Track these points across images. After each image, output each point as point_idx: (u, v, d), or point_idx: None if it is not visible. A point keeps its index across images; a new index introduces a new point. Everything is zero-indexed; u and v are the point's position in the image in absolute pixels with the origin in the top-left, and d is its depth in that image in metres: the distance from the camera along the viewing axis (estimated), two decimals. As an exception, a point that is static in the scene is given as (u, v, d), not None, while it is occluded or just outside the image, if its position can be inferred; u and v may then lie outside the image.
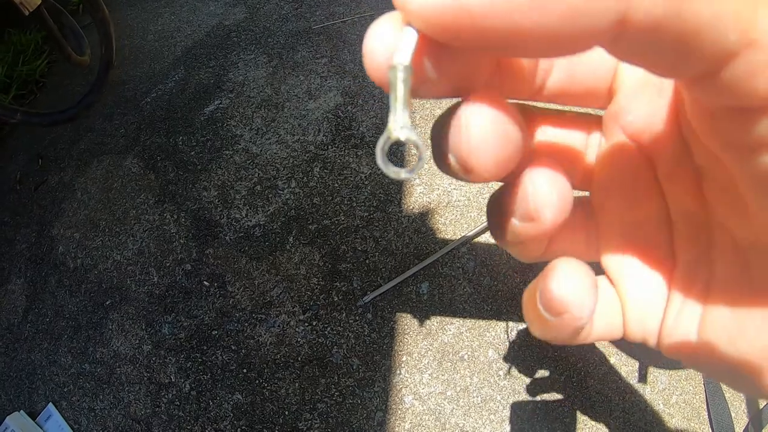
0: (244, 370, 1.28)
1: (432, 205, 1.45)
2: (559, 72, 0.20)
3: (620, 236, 0.21)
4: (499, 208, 0.20)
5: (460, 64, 0.16)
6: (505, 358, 1.25)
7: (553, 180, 0.18)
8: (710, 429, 1.19)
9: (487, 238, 1.41)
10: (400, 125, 0.15)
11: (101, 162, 1.70)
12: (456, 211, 1.44)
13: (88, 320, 1.47)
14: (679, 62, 0.12)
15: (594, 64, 0.20)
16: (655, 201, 0.20)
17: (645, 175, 0.21)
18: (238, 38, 1.91)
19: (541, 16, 0.11)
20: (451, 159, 0.17)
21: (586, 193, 0.23)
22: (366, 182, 1.49)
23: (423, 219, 1.43)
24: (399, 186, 1.48)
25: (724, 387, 1.21)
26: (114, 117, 1.78)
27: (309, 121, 1.62)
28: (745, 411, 1.23)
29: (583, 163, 0.22)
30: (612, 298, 0.22)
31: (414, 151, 1.52)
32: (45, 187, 1.73)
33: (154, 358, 1.37)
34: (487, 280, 1.34)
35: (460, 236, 1.39)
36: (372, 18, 1.47)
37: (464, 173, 0.17)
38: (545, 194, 0.18)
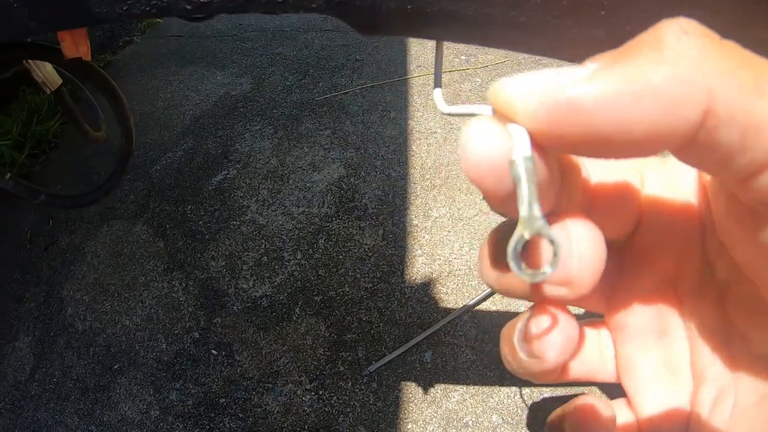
0: (252, 439, 1.32)
1: (434, 275, 1.52)
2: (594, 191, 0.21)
3: (637, 355, 0.22)
4: (509, 342, 0.21)
5: (554, 171, 0.17)
6: (510, 422, 1.30)
7: (557, 319, 0.19)
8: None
9: (488, 305, 1.47)
10: (533, 221, 0.15)
11: (111, 227, 1.76)
12: (457, 280, 1.52)
13: (96, 383, 1.49)
14: (740, 157, 0.13)
15: (623, 188, 0.21)
16: (675, 321, 0.21)
17: (666, 295, 0.21)
18: (244, 108, 2.01)
19: (643, 110, 0.13)
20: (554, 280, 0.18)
21: None
22: (369, 254, 1.56)
23: (425, 289, 1.50)
24: (402, 257, 1.55)
25: None
26: (124, 183, 1.85)
27: (313, 192, 1.70)
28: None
29: (605, 286, 0.23)
30: (593, 340, 0.24)
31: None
32: (55, 247, 1.77)
33: (161, 424, 1.39)
34: (490, 347, 1.40)
35: (461, 305, 1.45)
36: (372, 89, 1.57)
37: (561, 287, 0.18)
38: (548, 335, 0.19)
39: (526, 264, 0.16)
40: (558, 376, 0.21)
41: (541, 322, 0.19)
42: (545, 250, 0.17)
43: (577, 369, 0.23)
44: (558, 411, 0.24)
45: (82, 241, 1.75)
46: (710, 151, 0.14)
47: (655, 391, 0.22)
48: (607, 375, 0.24)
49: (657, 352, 0.22)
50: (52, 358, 1.56)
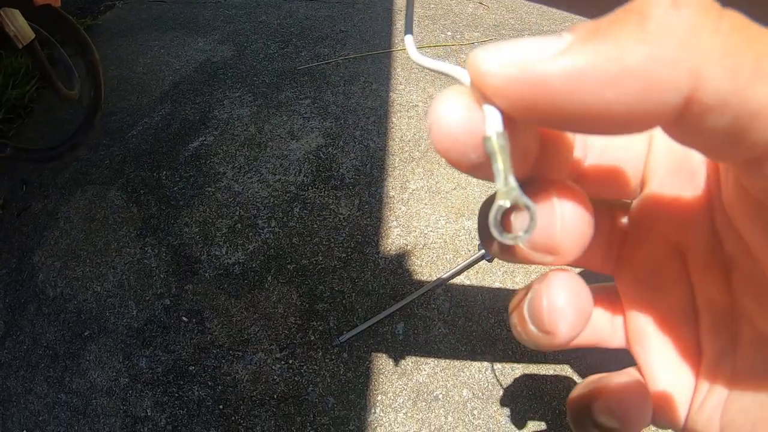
0: (220, 407, 1.31)
1: (409, 246, 1.51)
2: (593, 156, 0.20)
3: (647, 324, 0.21)
4: (519, 312, 0.20)
5: (528, 141, 0.17)
6: (480, 397, 1.30)
7: (570, 291, 0.18)
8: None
9: (462, 279, 1.47)
10: (509, 191, 0.15)
11: (85, 192, 1.73)
12: (432, 253, 1.50)
13: (66, 350, 1.47)
14: (734, 144, 0.12)
15: (626, 152, 0.20)
16: (683, 291, 0.20)
17: (673, 265, 0.21)
18: (224, 75, 1.97)
19: (616, 93, 0.12)
20: (529, 244, 0.17)
21: None
22: (344, 223, 1.54)
23: (400, 260, 1.48)
24: (377, 228, 1.53)
25: None
26: (99, 148, 1.81)
27: (290, 161, 1.67)
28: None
29: (610, 249, 0.22)
30: (604, 305, 0.23)
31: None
32: (28, 213, 1.74)
33: (130, 392, 1.38)
34: (462, 321, 1.39)
35: (435, 278, 1.44)
36: (355, 60, 1.55)
37: (547, 254, 0.17)
38: (560, 309, 0.18)
39: (506, 231, 0.17)
40: (565, 345, 0.19)
41: (552, 293, 0.18)
42: (524, 217, 0.17)
43: (586, 336, 0.22)
44: (585, 389, 0.22)
45: (56, 206, 1.72)
46: (697, 135, 0.13)
47: (664, 364, 0.21)
48: (617, 342, 0.23)
49: (665, 323, 0.21)
50: (22, 325, 1.54)
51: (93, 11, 2.36)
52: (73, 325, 1.50)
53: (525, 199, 0.15)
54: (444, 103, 0.15)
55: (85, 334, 1.49)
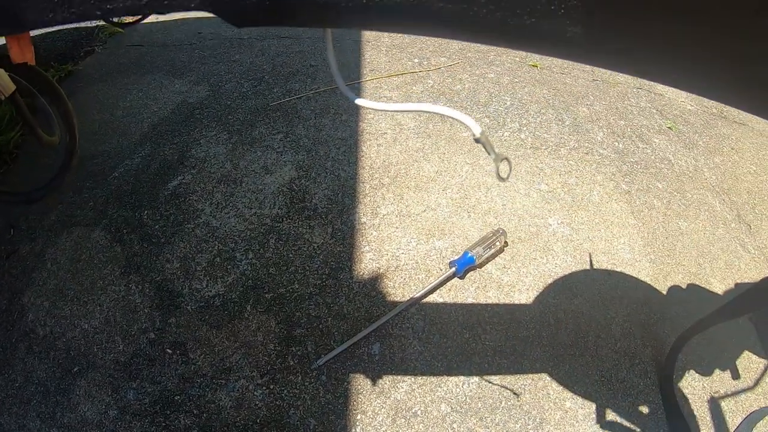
0: (205, 434, 1.36)
1: (381, 269, 1.58)
2: None
3: None
4: None
5: None
6: (459, 411, 1.35)
7: None
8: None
9: (435, 298, 1.53)
10: (498, 157, 0.30)
11: (71, 233, 1.79)
12: (404, 274, 1.57)
13: (57, 386, 1.52)
14: None
15: None
16: None
17: None
18: (201, 115, 2.05)
19: None
20: None
21: None
22: (318, 251, 1.61)
23: (373, 283, 1.55)
24: (350, 254, 1.60)
25: (688, 418, 1.34)
26: (83, 190, 1.88)
27: (265, 194, 1.75)
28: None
29: None
30: None
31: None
32: (16, 256, 1.80)
33: (120, 423, 1.43)
34: (437, 338, 1.46)
35: (408, 298, 1.51)
36: (325, 93, 1.63)
37: None
38: None
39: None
40: None
41: None
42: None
43: None
44: None
45: (43, 248, 1.78)
46: None
47: None
48: None
49: None
50: (14, 364, 1.59)
51: (74, 57, 2.45)
52: (63, 362, 1.55)
53: (502, 155, 0.28)
54: None
55: (75, 369, 1.54)
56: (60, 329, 1.61)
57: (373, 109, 0.32)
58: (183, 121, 2.04)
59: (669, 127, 2.25)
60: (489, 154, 0.27)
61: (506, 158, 0.26)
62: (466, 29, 0.43)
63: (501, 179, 0.28)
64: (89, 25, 2.31)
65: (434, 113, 0.27)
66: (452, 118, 0.29)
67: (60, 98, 1.24)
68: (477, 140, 0.29)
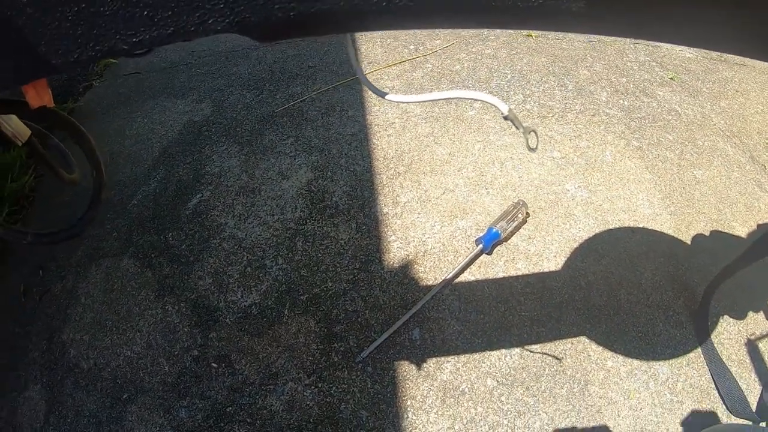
0: (263, 440, 1.38)
1: (410, 256, 1.59)
2: None
3: None
4: None
5: None
6: (505, 383, 1.37)
7: None
8: (723, 405, 1.31)
9: (466, 276, 1.55)
10: (527, 130, 0.32)
11: (99, 266, 1.81)
12: (433, 257, 1.59)
13: (108, 415, 1.55)
14: None
15: None
16: None
17: None
18: (209, 132, 2.07)
19: None
20: None
21: None
22: (346, 247, 1.63)
23: (404, 271, 1.56)
24: (377, 246, 1.62)
25: (728, 362, 1.34)
26: (105, 222, 1.90)
27: (285, 200, 1.77)
28: (756, 380, 1.36)
29: None
30: None
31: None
32: (49, 295, 1.83)
33: (176, 444, 1.46)
34: (474, 315, 1.47)
35: (440, 280, 1.52)
36: (328, 92, 1.64)
37: None
38: None
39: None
40: None
41: None
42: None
43: None
44: None
45: (74, 284, 1.81)
46: None
47: None
48: None
49: None
50: (63, 401, 1.61)
51: (73, 93, 2.47)
52: (111, 391, 1.58)
53: (530, 127, 0.31)
54: None
55: (124, 397, 1.56)
56: (104, 360, 1.63)
57: (405, 102, 0.34)
58: (192, 140, 2.06)
59: (671, 78, 2.24)
60: (518, 128, 0.29)
61: (534, 130, 0.28)
62: (480, 16, 0.44)
63: (531, 150, 0.29)
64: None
65: (463, 98, 0.29)
66: (481, 100, 0.32)
67: (82, 136, 1.26)
68: (506, 117, 0.30)
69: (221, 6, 0.46)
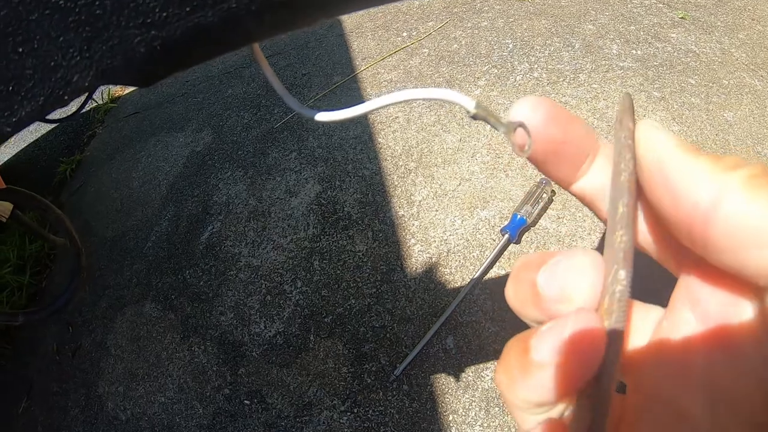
0: (306, 476, 1.31)
1: (433, 259, 1.49)
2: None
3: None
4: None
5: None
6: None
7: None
8: None
9: (496, 271, 1.43)
10: (509, 129, 0.21)
11: (124, 314, 1.78)
12: (458, 256, 1.48)
13: (153, 466, 1.52)
14: None
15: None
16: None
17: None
18: (212, 160, 2.02)
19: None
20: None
21: None
22: (365, 259, 1.54)
23: (429, 275, 1.46)
24: (397, 252, 1.52)
25: None
26: (124, 270, 1.88)
27: (296, 218, 1.69)
28: None
29: None
30: None
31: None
32: (81, 351, 1.81)
33: (221, 487, 1.41)
34: (510, 314, 1.34)
35: (469, 280, 1.41)
36: (324, 97, 1.54)
37: None
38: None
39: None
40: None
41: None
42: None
43: None
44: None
45: (103, 337, 1.79)
46: None
47: None
48: None
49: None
50: (107, 455, 1.59)
51: (79, 144, 2.47)
52: (152, 441, 1.55)
53: (516, 122, 0.20)
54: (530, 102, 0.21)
55: (164, 445, 1.52)
56: (140, 409, 1.60)
57: (340, 120, 0.24)
58: (196, 171, 2.01)
59: (682, 17, 2.06)
60: (497, 129, 0.18)
61: (521, 124, 0.17)
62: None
63: (522, 153, 0.18)
64: (85, 109, 2.32)
65: (413, 100, 0.20)
66: (437, 100, 0.21)
67: (47, 208, 1.22)
68: (474, 117, 0.18)
69: (78, 58, 0.36)
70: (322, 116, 0.27)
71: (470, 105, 0.22)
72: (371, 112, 0.23)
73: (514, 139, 0.21)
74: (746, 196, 0.14)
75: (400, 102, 0.23)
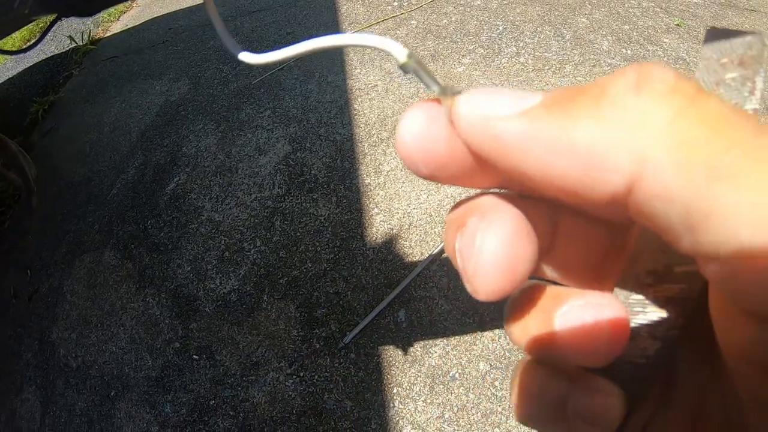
0: (246, 434, 1.31)
1: (394, 230, 1.47)
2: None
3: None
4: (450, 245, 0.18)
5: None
6: (499, 367, 1.25)
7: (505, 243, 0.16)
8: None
9: (456, 249, 1.42)
10: (444, 90, 0.16)
11: (82, 261, 1.76)
12: (420, 230, 1.46)
13: (99, 413, 1.50)
14: (692, 241, 0.12)
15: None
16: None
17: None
18: (185, 111, 1.97)
19: (562, 164, 0.13)
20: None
21: None
22: (326, 224, 1.51)
23: (388, 247, 1.45)
24: (359, 220, 1.50)
25: None
26: (87, 215, 1.84)
27: (263, 177, 1.66)
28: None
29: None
30: None
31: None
32: (38, 295, 1.79)
33: (164, 438, 1.40)
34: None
35: (427, 255, 1.40)
36: (307, 59, 1.50)
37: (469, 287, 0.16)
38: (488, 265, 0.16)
39: None
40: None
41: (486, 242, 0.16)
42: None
43: None
44: None
45: (60, 281, 1.76)
46: (646, 219, 0.13)
47: None
48: None
49: None
50: (56, 401, 1.58)
51: (54, 85, 2.41)
52: (100, 389, 1.53)
53: (460, 89, 0.16)
54: (403, 125, 0.17)
55: (112, 394, 1.51)
56: (91, 357, 1.59)
57: (260, 63, 0.21)
58: (169, 121, 1.97)
59: (677, 24, 2.03)
60: (429, 88, 0.14)
61: (460, 92, 0.13)
62: None
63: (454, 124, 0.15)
64: (63, 49, 2.25)
65: (337, 46, 0.16)
66: (370, 47, 0.16)
67: (4, 145, 1.18)
68: (404, 69, 0.15)
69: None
70: (245, 57, 0.24)
71: (401, 54, 0.18)
72: (297, 56, 0.20)
73: (449, 103, 0.17)
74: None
75: (329, 47, 0.19)
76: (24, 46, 1.68)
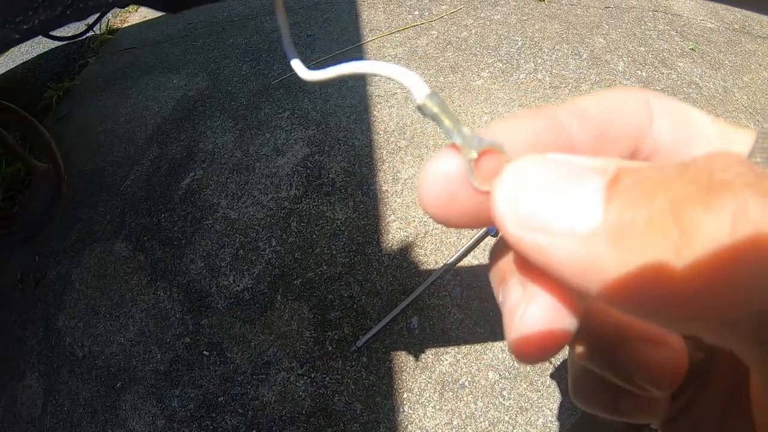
0: (254, 431, 1.32)
1: (410, 238, 1.49)
2: None
3: None
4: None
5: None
6: (507, 377, 1.27)
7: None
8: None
9: (470, 261, 1.44)
10: (468, 140, 0.15)
11: (93, 250, 1.76)
12: (435, 239, 1.48)
13: (103, 404, 1.51)
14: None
15: None
16: None
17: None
18: (203, 107, 1.98)
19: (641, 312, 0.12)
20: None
21: None
22: (342, 228, 1.53)
23: (403, 254, 1.47)
24: (375, 226, 1.52)
25: None
26: (99, 205, 1.84)
27: (280, 177, 1.67)
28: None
29: None
30: None
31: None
32: (45, 281, 1.79)
33: (169, 432, 1.41)
34: (477, 303, 1.37)
35: (442, 264, 1.42)
36: (327, 61, 1.53)
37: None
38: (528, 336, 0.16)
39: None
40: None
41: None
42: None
43: None
44: None
45: (69, 269, 1.76)
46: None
47: None
48: None
49: None
50: (59, 389, 1.58)
51: (69, 73, 2.41)
52: (105, 380, 1.53)
53: (488, 141, 0.15)
54: (424, 185, 0.15)
55: (118, 385, 1.51)
56: (98, 347, 1.59)
57: (306, 79, 0.21)
58: (186, 116, 1.98)
59: (692, 49, 2.07)
60: (448, 135, 0.12)
61: (482, 147, 0.12)
62: None
63: (479, 188, 0.13)
64: (80, 38, 2.25)
65: (371, 74, 0.15)
66: (391, 78, 0.14)
67: (37, 129, 1.18)
68: (422, 111, 0.13)
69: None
70: (297, 65, 0.24)
71: (420, 94, 0.16)
72: (339, 78, 0.19)
73: (471, 158, 0.15)
74: None
75: (364, 73, 0.18)
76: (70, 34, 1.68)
